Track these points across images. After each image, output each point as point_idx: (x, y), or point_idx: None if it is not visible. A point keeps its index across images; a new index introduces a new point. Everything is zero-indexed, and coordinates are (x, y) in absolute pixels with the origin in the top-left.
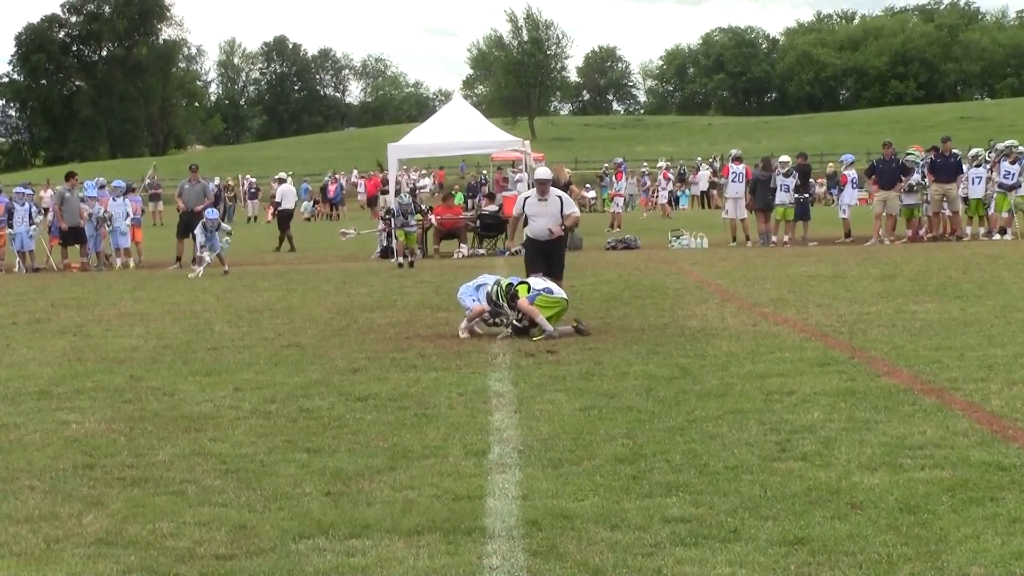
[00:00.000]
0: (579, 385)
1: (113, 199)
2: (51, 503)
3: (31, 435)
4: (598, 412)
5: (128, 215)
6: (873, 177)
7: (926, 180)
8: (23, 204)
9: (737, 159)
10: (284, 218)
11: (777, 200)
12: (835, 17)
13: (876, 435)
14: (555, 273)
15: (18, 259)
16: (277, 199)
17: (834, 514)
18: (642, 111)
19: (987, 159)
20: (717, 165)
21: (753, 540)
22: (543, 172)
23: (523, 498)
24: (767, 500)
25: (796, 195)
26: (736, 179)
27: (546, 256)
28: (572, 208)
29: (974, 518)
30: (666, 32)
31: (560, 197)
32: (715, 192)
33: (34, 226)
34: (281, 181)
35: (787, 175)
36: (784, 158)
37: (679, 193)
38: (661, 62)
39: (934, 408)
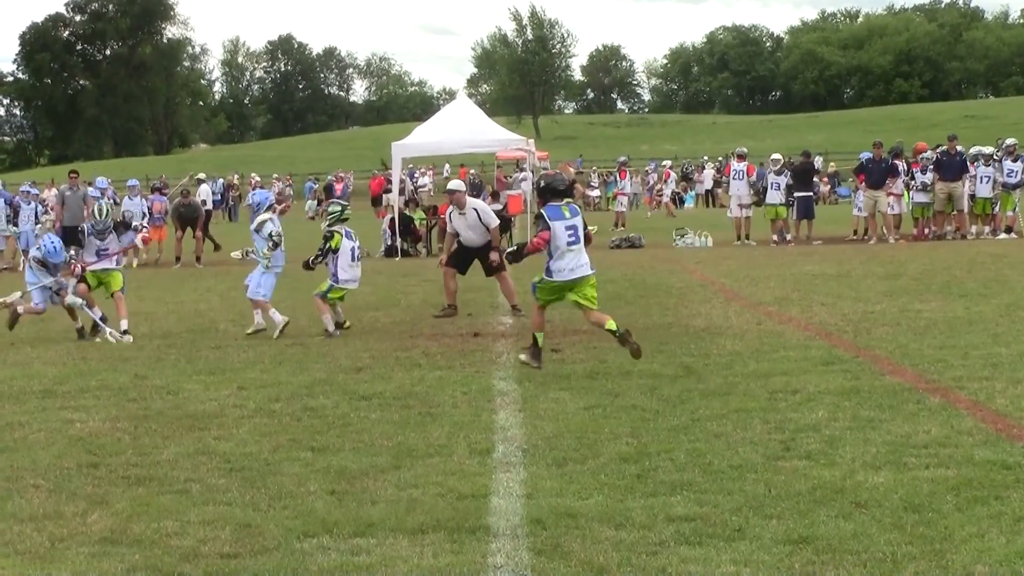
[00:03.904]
0: (583, 384)
1: (129, 198)
2: (55, 502)
3: (35, 434)
4: (602, 411)
5: (144, 214)
6: (862, 176)
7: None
8: (29, 203)
9: (740, 157)
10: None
11: (768, 199)
12: (839, 16)
13: (880, 434)
14: (489, 272)
15: (23, 258)
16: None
17: (838, 513)
18: (646, 110)
19: (995, 158)
20: (722, 163)
21: (757, 539)
22: (454, 183)
23: (527, 497)
24: (771, 499)
25: (804, 193)
26: (737, 177)
27: (467, 258)
28: (490, 220)
29: (978, 517)
30: (670, 31)
31: (476, 209)
32: (719, 191)
33: (39, 225)
34: (200, 181)
35: (779, 173)
36: (775, 156)
37: (684, 195)
38: (665, 61)
39: (938, 407)
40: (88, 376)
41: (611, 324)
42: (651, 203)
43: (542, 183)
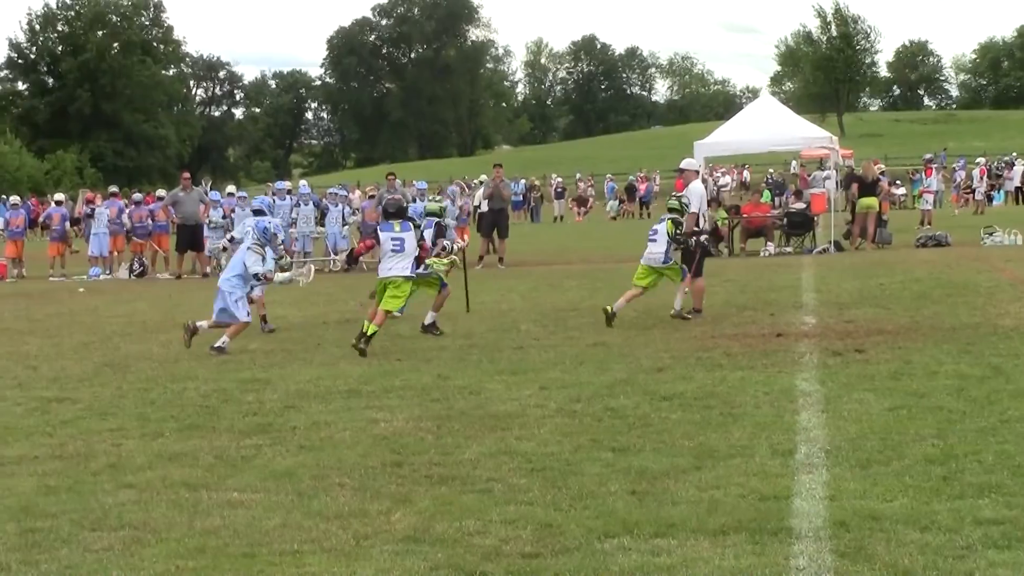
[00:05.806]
0: (888, 384)
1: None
2: (360, 500)
3: (341, 433)
4: (907, 412)
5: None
6: None
7: None
8: (336, 205)
9: None
10: None
11: None
12: None
13: None
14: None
15: (332, 258)
16: None
17: None
18: (954, 106)
19: None
20: None
21: None
22: (685, 162)
23: (830, 499)
24: None
25: None
26: None
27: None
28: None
29: None
30: (979, 25)
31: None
32: None
33: (346, 226)
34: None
35: None
36: None
37: (993, 193)
38: (974, 55)
39: None
40: (392, 376)
41: (372, 328)
42: (958, 200)
43: (384, 205)
